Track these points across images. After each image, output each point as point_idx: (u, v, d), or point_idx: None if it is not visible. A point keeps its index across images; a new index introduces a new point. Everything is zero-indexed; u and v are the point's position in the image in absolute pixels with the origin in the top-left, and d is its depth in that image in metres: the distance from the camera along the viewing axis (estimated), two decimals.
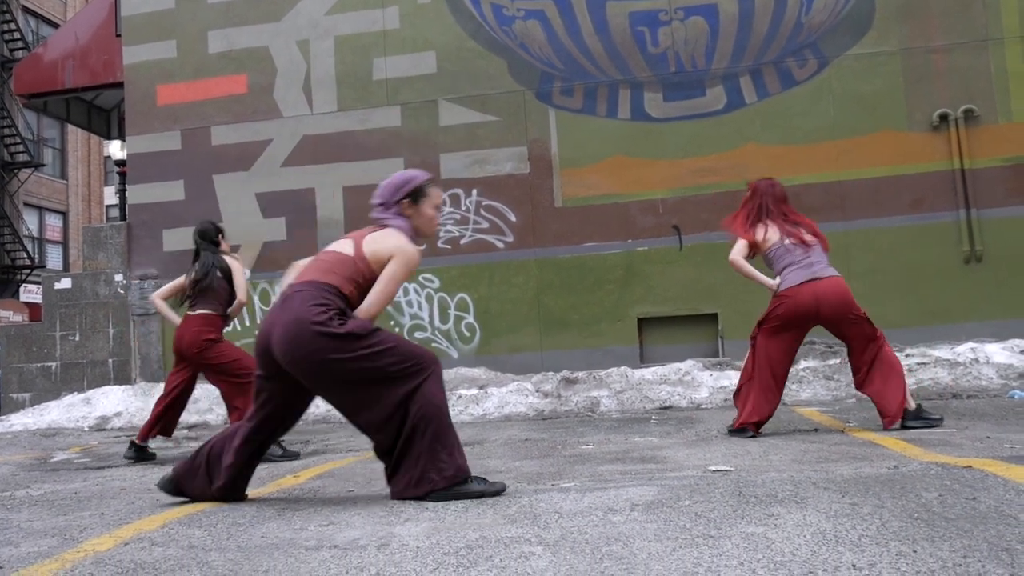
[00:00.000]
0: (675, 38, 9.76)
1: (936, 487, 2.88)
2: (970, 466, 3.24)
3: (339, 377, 3.23)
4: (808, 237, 5.09)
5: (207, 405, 8.91)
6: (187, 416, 8.80)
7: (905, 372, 7.72)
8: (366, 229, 3.56)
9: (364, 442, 6.16)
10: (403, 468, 3.30)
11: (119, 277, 10.95)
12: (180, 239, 10.56)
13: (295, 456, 5.47)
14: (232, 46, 10.79)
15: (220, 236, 6.03)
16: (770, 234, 5.14)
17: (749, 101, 9.64)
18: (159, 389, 9.48)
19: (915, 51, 9.42)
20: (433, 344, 9.92)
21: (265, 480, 4.32)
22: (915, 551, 2.10)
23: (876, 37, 9.51)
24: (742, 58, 9.67)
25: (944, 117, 9.25)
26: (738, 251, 5.20)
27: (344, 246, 3.49)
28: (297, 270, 3.57)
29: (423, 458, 3.24)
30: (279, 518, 3.07)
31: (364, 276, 3.39)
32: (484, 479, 3.34)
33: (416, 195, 3.61)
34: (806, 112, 9.52)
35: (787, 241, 5.08)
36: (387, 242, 3.42)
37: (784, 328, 5.04)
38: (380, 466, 4.60)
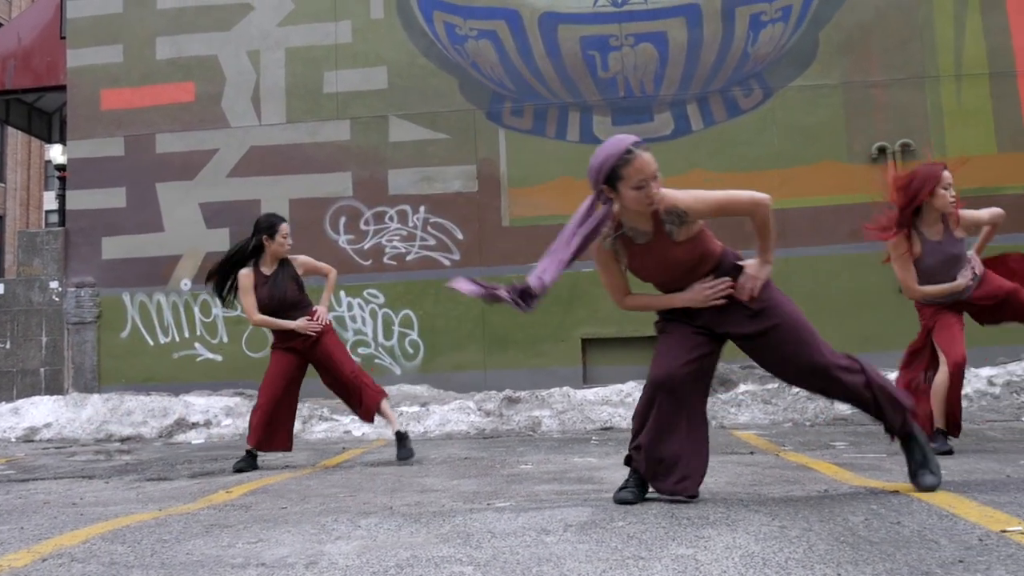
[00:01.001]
0: (625, 63, 9.89)
1: (863, 511, 2.93)
2: (897, 491, 3.31)
3: None
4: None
5: (141, 418, 8.72)
6: (120, 428, 8.62)
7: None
8: None
9: (301, 459, 6.09)
10: None
11: (54, 284, 10.68)
12: (119, 247, 10.37)
13: None
14: (181, 53, 10.65)
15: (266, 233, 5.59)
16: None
17: (696, 128, 9.80)
18: (92, 400, 9.27)
19: (856, 85, 9.68)
20: (376, 360, 9.85)
21: (196, 495, 4.24)
22: (839, 574, 2.13)
23: (819, 70, 9.75)
24: (690, 86, 9.84)
25: (883, 150, 9.51)
26: (911, 280, 5.15)
27: None
28: None
29: None
30: (207, 535, 3.01)
31: None
32: None
33: (612, 180, 3.22)
34: (751, 141, 9.71)
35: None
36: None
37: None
38: (314, 483, 4.55)
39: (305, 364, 5.67)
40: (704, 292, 3.30)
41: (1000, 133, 9.44)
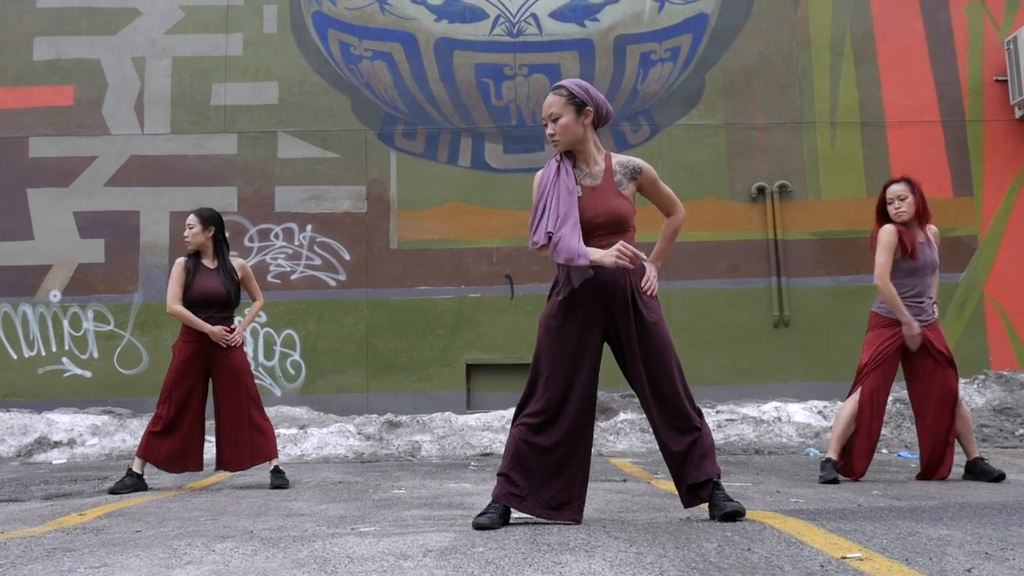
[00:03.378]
0: (518, 93, 10.02)
1: (717, 538, 3.01)
2: (754, 519, 3.41)
3: None
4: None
5: None
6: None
7: (713, 427, 8.11)
8: None
9: (167, 480, 5.86)
10: None
11: None
12: None
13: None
14: (60, 55, 10.21)
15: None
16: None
17: None
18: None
19: (738, 126, 10.06)
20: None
21: (46, 518, 4.02)
22: None
23: (704, 110, 10.10)
24: None
25: (762, 190, 9.90)
26: (885, 273, 5.23)
27: None
28: None
29: None
30: (47, 559, 2.85)
31: None
32: None
33: None
34: None
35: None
36: None
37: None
38: (176, 506, 4.39)
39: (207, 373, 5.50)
40: (617, 249, 3.37)
41: (869, 178, 9.95)
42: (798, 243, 9.88)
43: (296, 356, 9.67)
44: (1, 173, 9.99)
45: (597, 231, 3.50)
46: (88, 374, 9.66)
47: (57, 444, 8.21)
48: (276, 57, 10.15)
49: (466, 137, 10.00)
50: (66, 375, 9.63)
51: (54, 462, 7.76)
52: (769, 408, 8.61)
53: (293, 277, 9.79)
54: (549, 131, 3.59)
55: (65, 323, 9.69)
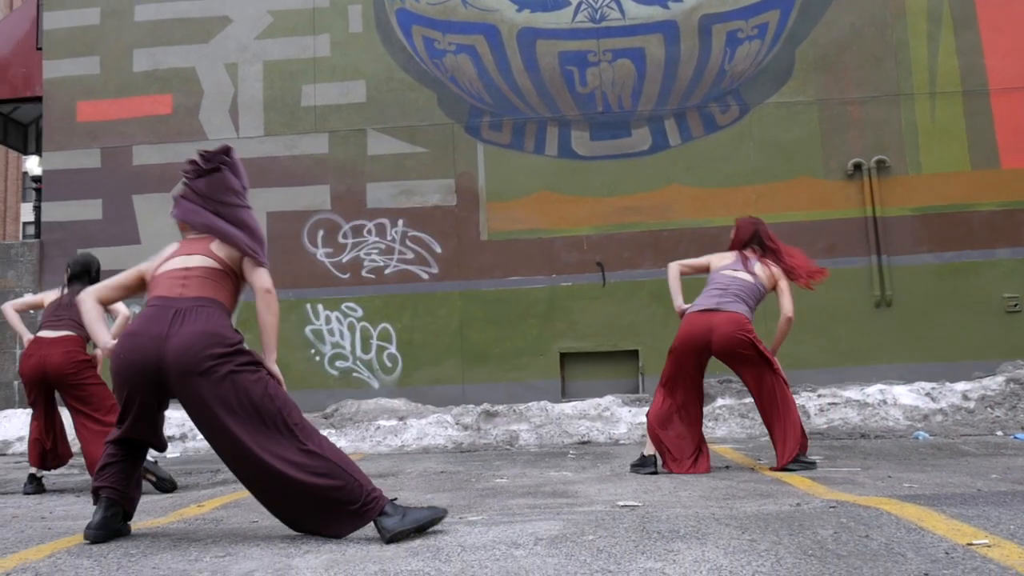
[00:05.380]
0: (603, 79, 9.95)
1: (832, 525, 2.94)
2: (868, 505, 3.32)
3: None
4: (741, 274, 5.18)
5: None
6: None
7: (815, 411, 7.94)
8: None
9: None
10: None
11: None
12: None
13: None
14: (158, 65, 10.60)
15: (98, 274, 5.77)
16: (721, 261, 5.28)
17: (673, 143, 9.86)
18: (66, 414, 9.14)
19: (831, 102, 9.77)
20: (354, 374, 9.81)
21: (167, 509, 4.20)
22: None
23: (795, 87, 9.84)
24: (667, 101, 9.90)
25: (858, 166, 9.59)
26: (681, 261, 5.36)
27: None
28: None
29: None
30: (174, 548, 2.98)
31: None
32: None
33: None
34: (727, 156, 9.77)
35: (726, 271, 5.19)
36: None
37: (678, 354, 5.13)
38: None
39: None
40: None
41: (974, 150, 9.55)
42: (898, 220, 9.54)
43: (392, 349, 9.83)
44: (109, 181, 10.44)
45: None
46: None
47: (170, 439, 8.54)
48: (362, 56, 10.31)
49: (552, 126, 9.98)
50: None
51: (168, 456, 8.08)
52: (873, 391, 8.36)
53: (387, 272, 9.95)
54: None
55: None
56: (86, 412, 5.37)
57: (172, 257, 3.48)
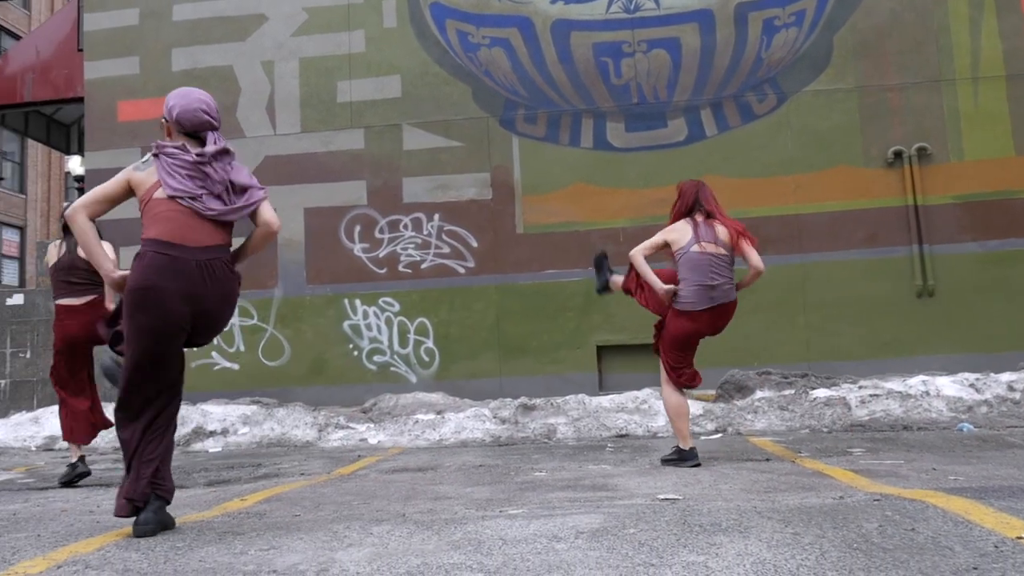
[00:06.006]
0: (638, 70, 9.89)
1: (877, 518, 2.91)
2: (913, 498, 3.28)
3: None
4: (714, 248, 5.12)
5: None
6: None
7: (856, 403, 7.84)
8: None
9: (317, 467, 6.11)
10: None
11: None
12: None
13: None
14: (196, 64, 10.73)
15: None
16: (680, 236, 5.18)
17: (710, 134, 9.78)
18: (110, 410, 9.31)
19: (871, 89, 9.62)
20: (392, 368, 9.87)
21: (211, 503, 4.26)
22: None
23: (833, 74, 9.70)
24: (703, 91, 9.82)
25: (899, 154, 9.44)
26: (641, 247, 5.28)
27: None
28: None
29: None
30: (219, 542, 3.02)
31: None
32: None
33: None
34: (765, 146, 9.67)
35: (694, 248, 5.11)
36: None
37: (684, 344, 5.24)
38: (328, 491, 4.57)
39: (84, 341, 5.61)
40: None
41: (1018, 136, 9.35)
42: (941, 208, 9.38)
43: (429, 343, 9.88)
44: None
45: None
46: (236, 367, 10.16)
47: (212, 433, 8.66)
48: (397, 51, 10.35)
49: (587, 118, 9.95)
50: (216, 368, 10.15)
51: (210, 450, 8.19)
52: (916, 382, 8.24)
53: (423, 266, 9.99)
54: None
55: None
56: None
57: None
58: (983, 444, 5.74)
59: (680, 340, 5.19)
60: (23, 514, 4.10)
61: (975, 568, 2.20)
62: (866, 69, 9.67)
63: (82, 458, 5.65)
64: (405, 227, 10.06)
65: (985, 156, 9.40)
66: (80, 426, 5.72)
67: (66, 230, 5.57)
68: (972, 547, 2.42)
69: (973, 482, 3.86)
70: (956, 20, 9.63)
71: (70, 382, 5.76)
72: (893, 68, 9.63)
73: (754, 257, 5.15)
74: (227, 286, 3.39)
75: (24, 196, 30.66)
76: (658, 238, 5.28)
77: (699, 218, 5.20)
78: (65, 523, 3.72)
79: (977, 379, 8.14)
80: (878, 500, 3.30)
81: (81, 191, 14.65)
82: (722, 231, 5.16)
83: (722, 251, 5.13)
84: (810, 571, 2.23)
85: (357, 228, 10.13)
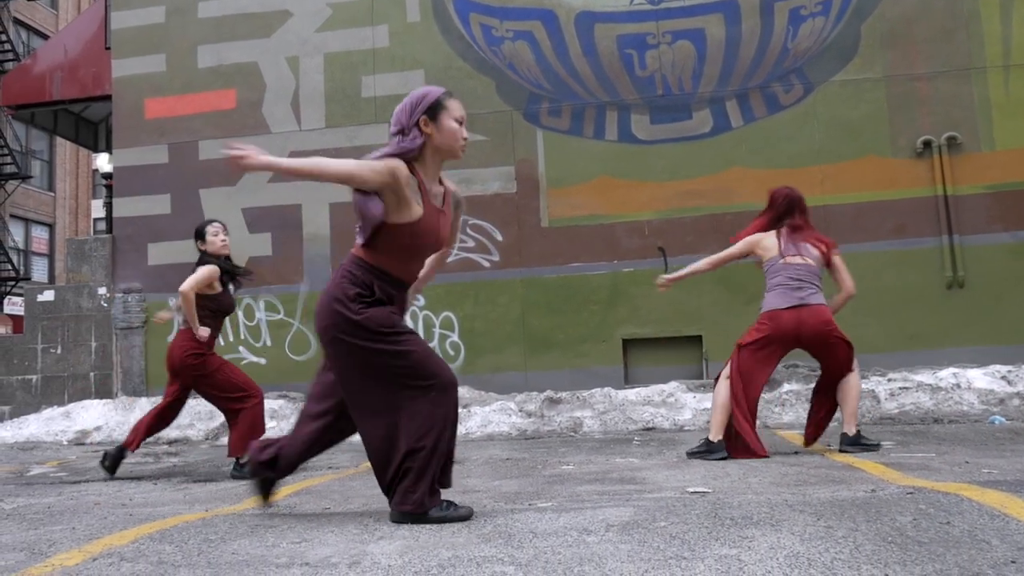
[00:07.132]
0: (662, 61, 9.83)
1: (911, 511, 2.88)
2: (946, 491, 3.24)
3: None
4: (800, 260, 5.09)
5: (188, 420, 8.84)
6: (167, 431, 8.74)
7: (886, 396, 7.77)
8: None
9: (344, 460, 6.14)
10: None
11: (102, 290, 10.89)
12: (165, 253, 10.54)
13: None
14: (221, 61, 10.80)
15: (199, 239, 5.74)
16: (768, 244, 5.16)
17: (735, 125, 9.71)
18: (141, 404, 9.44)
19: (899, 78, 9.51)
20: None
21: (242, 496, 4.29)
22: (886, 575, 2.09)
23: (861, 64, 9.60)
24: (728, 82, 9.75)
25: (927, 144, 9.33)
26: (730, 250, 5.27)
27: None
28: None
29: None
30: (251, 535, 3.04)
31: None
32: (451, 503, 3.23)
33: (434, 110, 3.25)
34: (791, 136, 9.59)
35: (782, 260, 5.10)
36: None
37: (764, 347, 5.07)
38: (358, 484, 4.59)
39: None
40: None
41: None
42: (971, 198, 9.27)
43: (455, 337, 9.90)
44: (177, 176, 10.69)
45: (426, 255, 3.53)
46: (263, 361, 10.23)
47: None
48: (421, 45, 10.36)
49: (611, 110, 9.91)
50: (243, 363, 10.22)
51: None
52: (946, 375, 8.16)
53: (448, 260, 9.99)
54: (464, 131, 3.36)
55: (240, 314, 10.28)
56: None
57: None
58: (1016, 437, 5.67)
59: (758, 341, 5.08)
60: (58, 507, 4.15)
61: (1014, 562, 2.17)
62: (894, 58, 9.56)
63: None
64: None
65: (1017, 145, 9.27)
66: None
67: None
68: (1010, 540, 2.39)
69: (1008, 475, 3.81)
70: (986, 7, 9.50)
71: None
72: (922, 57, 9.51)
73: (848, 280, 5.14)
74: None
75: (53, 194, 31.05)
76: (739, 247, 5.26)
77: (785, 230, 5.17)
78: (99, 516, 3.77)
79: (1009, 371, 8.05)
80: (911, 493, 3.26)
81: (109, 188, 14.80)
82: (810, 247, 5.14)
83: (810, 262, 5.10)
84: (845, 564, 2.21)
85: None
